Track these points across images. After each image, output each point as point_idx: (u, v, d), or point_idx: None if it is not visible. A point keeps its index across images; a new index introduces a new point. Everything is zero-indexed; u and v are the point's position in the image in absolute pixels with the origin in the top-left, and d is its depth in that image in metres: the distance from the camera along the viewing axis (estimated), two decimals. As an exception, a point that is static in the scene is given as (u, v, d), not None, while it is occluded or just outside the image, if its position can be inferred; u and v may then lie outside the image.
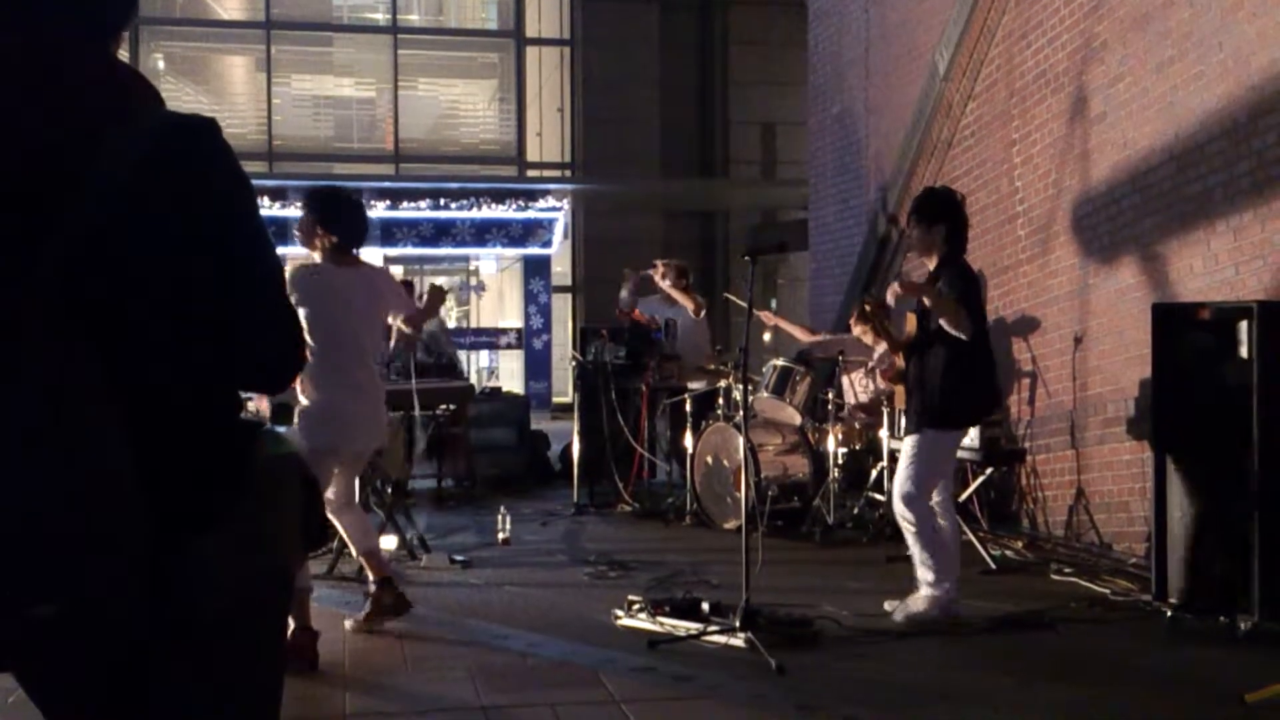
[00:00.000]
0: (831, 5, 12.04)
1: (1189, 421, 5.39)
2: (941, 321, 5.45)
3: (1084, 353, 7.40)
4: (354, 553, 5.54)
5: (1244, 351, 5.12)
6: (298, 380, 4.85)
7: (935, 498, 5.70)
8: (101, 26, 1.74)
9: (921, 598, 5.53)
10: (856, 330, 8.64)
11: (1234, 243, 6.15)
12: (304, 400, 5.12)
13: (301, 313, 4.65)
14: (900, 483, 5.55)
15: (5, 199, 1.57)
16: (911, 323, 5.75)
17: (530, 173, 21.25)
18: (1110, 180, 7.23)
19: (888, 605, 5.68)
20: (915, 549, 5.55)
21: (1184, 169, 6.54)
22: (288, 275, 4.82)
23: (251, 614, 1.71)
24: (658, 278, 9.56)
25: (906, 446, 5.58)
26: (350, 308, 5.08)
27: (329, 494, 5.17)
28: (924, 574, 5.53)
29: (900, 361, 5.80)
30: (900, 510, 5.56)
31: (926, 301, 5.58)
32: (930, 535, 5.55)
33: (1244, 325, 5.14)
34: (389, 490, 7.29)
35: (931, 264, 5.71)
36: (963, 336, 5.44)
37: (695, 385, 8.97)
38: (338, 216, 5.15)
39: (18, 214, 1.56)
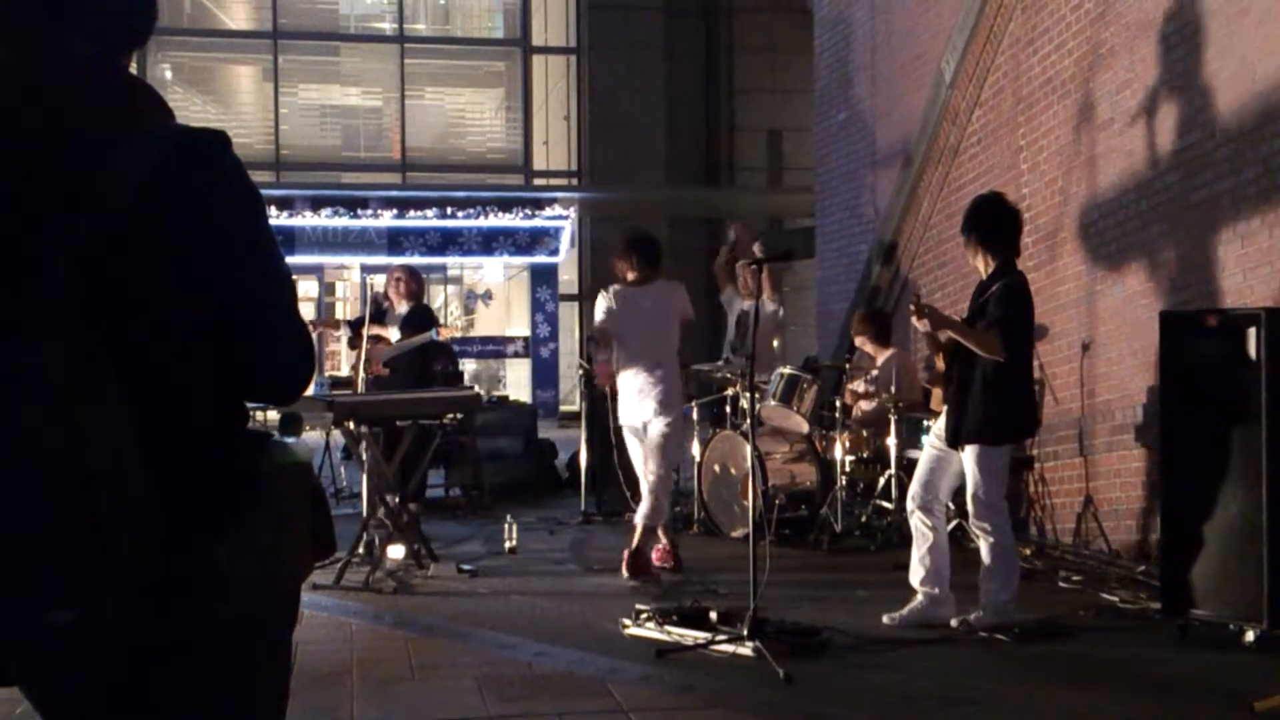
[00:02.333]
0: (837, 12, 12.05)
1: (1197, 429, 5.37)
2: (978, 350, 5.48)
3: (1092, 360, 7.39)
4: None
5: (1252, 358, 5.10)
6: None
7: (926, 496, 5.71)
8: (114, 41, 1.75)
9: (987, 606, 5.51)
10: (858, 342, 8.64)
11: (1241, 249, 6.14)
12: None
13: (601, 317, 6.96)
14: (972, 498, 5.54)
15: (17, 206, 1.58)
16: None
17: (537, 181, 21.29)
18: (1117, 187, 7.23)
19: (886, 619, 5.67)
20: (985, 557, 5.53)
21: (1191, 176, 6.54)
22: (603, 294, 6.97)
23: (258, 621, 1.72)
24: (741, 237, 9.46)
25: (967, 461, 5.54)
26: (638, 316, 6.89)
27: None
28: (989, 584, 5.51)
29: (941, 364, 5.79)
30: (977, 524, 5.56)
31: (943, 337, 5.60)
32: (1005, 545, 5.53)
33: (1252, 332, 5.12)
34: (396, 500, 7.29)
35: (985, 273, 5.71)
36: (999, 359, 5.45)
37: (761, 378, 8.82)
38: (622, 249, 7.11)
39: (30, 220, 1.57)
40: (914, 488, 5.80)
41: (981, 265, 5.71)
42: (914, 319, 5.71)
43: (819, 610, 5.78)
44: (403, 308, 8.98)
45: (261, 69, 21.16)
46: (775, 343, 9.30)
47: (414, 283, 9.03)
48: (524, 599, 6.40)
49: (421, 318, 8.95)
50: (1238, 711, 4.30)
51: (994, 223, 5.69)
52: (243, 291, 1.69)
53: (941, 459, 5.69)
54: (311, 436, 9.14)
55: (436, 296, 21.61)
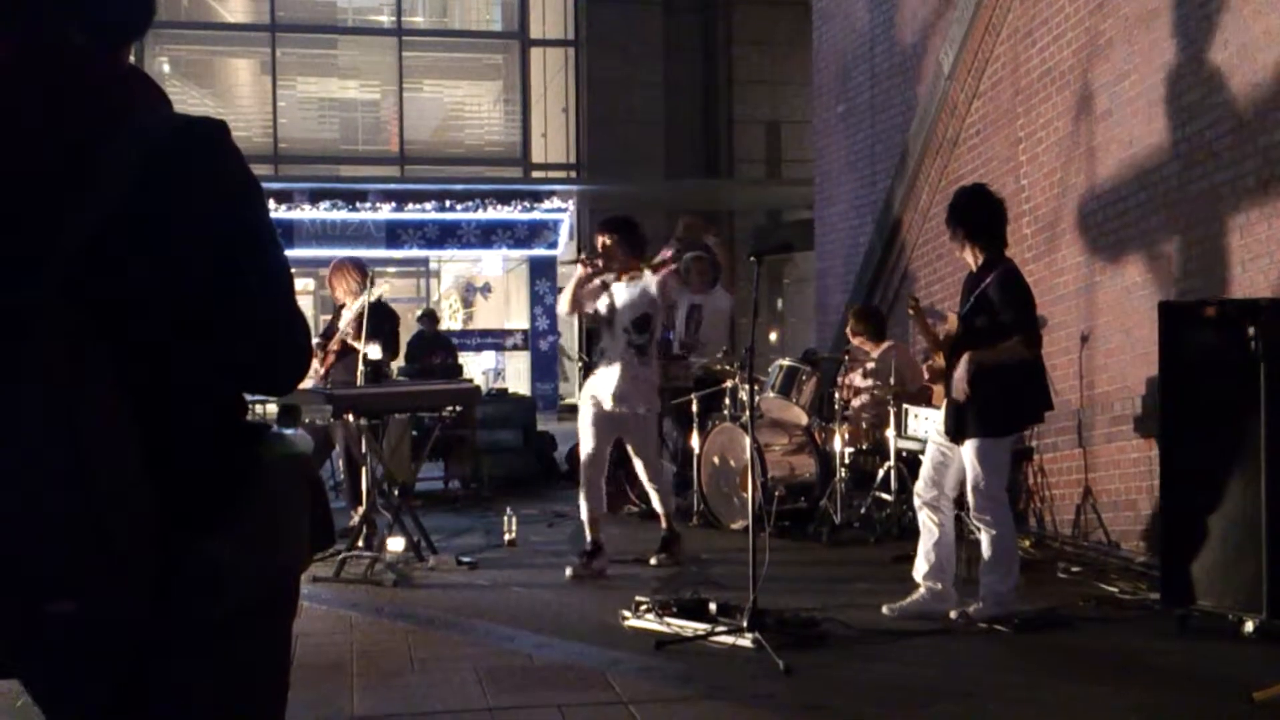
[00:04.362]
0: (836, 4, 12.03)
1: (1196, 419, 5.38)
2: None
3: (1091, 351, 7.39)
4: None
5: (1251, 349, 5.10)
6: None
7: (932, 493, 5.71)
8: (111, 33, 1.74)
9: (987, 597, 5.50)
10: (855, 342, 8.64)
11: (1240, 240, 6.14)
12: None
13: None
14: (973, 490, 5.52)
15: (14, 200, 1.57)
16: (952, 321, 5.71)
17: (535, 174, 21.27)
18: (1116, 178, 7.22)
19: (886, 609, 5.67)
20: (986, 549, 5.52)
21: (1190, 167, 6.53)
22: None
23: (257, 615, 1.71)
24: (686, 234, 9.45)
25: (967, 454, 5.53)
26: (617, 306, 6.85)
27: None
28: (989, 576, 5.51)
29: (941, 360, 5.77)
30: (978, 516, 5.56)
31: (957, 368, 5.60)
32: (1005, 537, 5.53)
33: (1250, 323, 5.12)
34: (395, 492, 7.29)
35: (974, 265, 5.68)
36: (1034, 354, 5.45)
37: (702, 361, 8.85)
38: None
39: (27, 214, 1.57)
40: (920, 484, 5.79)
41: (971, 258, 5.69)
42: (927, 370, 5.68)
43: (818, 602, 5.77)
44: (355, 305, 7.97)
45: (259, 62, 21.14)
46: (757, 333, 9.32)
47: (363, 277, 8.04)
48: (524, 591, 6.40)
49: (378, 314, 8.00)
50: (1237, 702, 4.31)
51: (978, 214, 5.66)
52: (241, 281, 1.68)
53: (946, 454, 5.69)
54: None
55: (433, 291, 21.64)
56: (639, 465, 7.02)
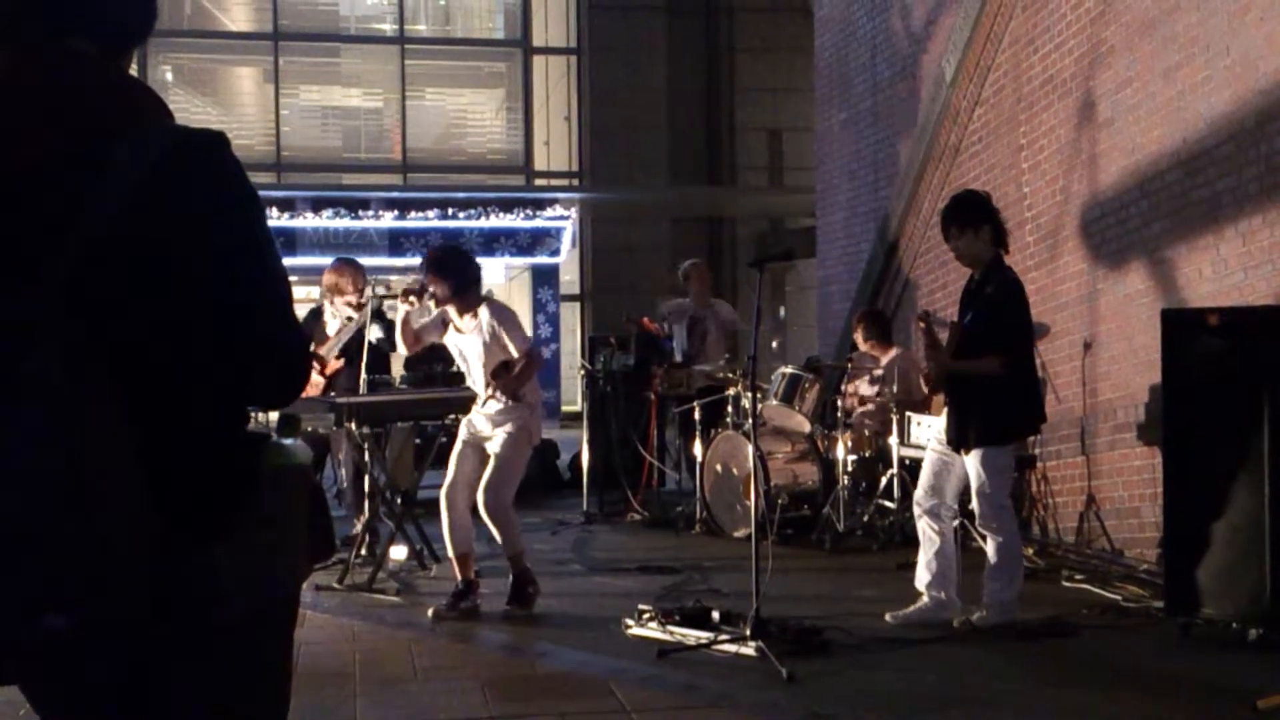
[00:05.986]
0: (838, 12, 12.05)
1: (1199, 427, 5.37)
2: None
3: (1093, 358, 7.38)
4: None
5: (1253, 357, 5.09)
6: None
7: (932, 501, 5.70)
8: (112, 41, 1.75)
9: (991, 605, 5.50)
10: (864, 346, 8.64)
11: (1243, 247, 6.13)
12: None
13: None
14: (978, 498, 5.53)
15: (16, 207, 1.58)
16: (954, 331, 5.71)
17: (538, 181, 21.30)
18: (1118, 185, 7.22)
19: (889, 617, 5.66)
20: (991, 556, 5.53)
21: (1192, 174, 6.53)
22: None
23: (258, 624, 1.71)
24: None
25: (971, 465, 5.53)
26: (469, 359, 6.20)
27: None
28: (993, 583, 5.51)
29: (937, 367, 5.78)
30: (983, 524, 5.57)
31: (927, 367, 5.61)
32: (1011, 544, 5.54)
33: (1253, 331, 5.12)
34: (398, 501, 7.29)
35: (977, 273, 5.65)
36: (998, 372, 5.45)
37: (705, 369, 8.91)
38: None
39: (27, 223, 1.57)
40: (919, 492, 5.79)
41: (969, 256, 5.66)
42: (925, 357, 5.69)
43: (821, 610, 5.77)
44: (356, 320, 7.60)
45: (262, 70, 21.18)
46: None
47: (360, 283, 7.72)
48: (526, 599, 6.39)
49: (383, 319, 7.71)
50: (1240, 710, 4.29)
51: (976, 215, 5.65)
52: (239, 293, 1.68)
53: (946, 462, 5.68)
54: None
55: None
56: (482, 483, 5.97)
